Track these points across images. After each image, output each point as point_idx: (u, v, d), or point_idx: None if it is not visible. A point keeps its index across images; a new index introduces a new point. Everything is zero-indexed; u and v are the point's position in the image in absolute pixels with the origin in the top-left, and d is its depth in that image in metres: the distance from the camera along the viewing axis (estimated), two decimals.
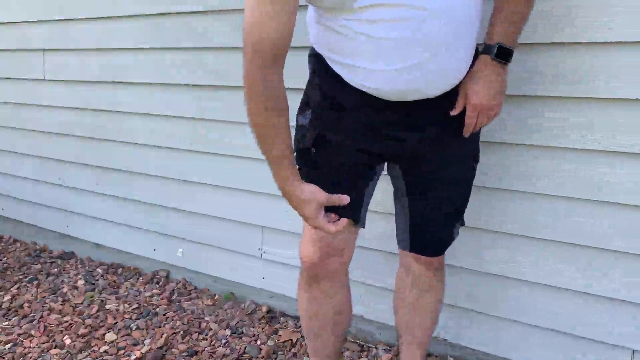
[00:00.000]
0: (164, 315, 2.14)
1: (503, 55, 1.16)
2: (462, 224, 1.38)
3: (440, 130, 1.22)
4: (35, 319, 2.13)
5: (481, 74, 1.17)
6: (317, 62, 1.26)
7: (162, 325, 2.07)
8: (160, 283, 2.39)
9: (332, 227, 1.18)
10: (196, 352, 1.89)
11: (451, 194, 1.31)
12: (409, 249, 1.37)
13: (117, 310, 2.18)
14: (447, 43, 1.08)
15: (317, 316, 1.44)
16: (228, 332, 2.01)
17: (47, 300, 2.28)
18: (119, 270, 2.54)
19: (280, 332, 1.99)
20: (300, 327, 2.02)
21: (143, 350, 1.90)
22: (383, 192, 1.55)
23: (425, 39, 1.05)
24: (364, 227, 1.35)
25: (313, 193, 1.17)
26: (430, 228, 1.34)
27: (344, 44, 1.12)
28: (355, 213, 1.30)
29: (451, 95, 1.19)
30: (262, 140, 1.12)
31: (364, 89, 1.16)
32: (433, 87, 1.13)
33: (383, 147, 1.24)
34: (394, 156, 1.28)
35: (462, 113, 1.22)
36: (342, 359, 1.83)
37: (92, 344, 1.96)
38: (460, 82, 1.20)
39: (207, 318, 2.11)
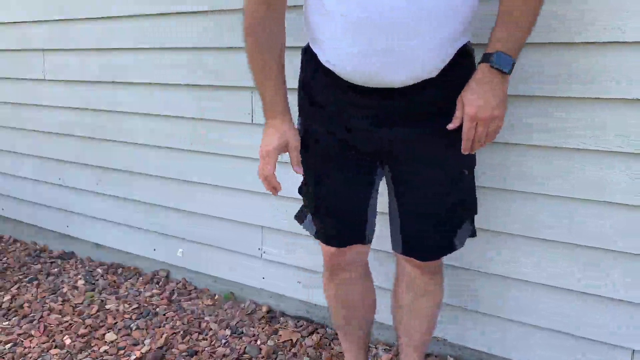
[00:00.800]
0: (164, 315, 2.14)
1: (504, 64, 1.10)
2: (473, 235, 1.35)
3: (417, 126, 1.19)
4: (35, 319, 2.13)
5: (479, 83, 1.12)
6: (304, 54, 1.30)
7: (162, 325, 2.07)
8: (160, 283, 2.39)
9: (274, 182, 1.28)
10: (196, 352, 1.89)
11: (438, 195, 1.25)
12: (401, 251, 1.34)
13: (117, 310, 2.18)
14: (411, 28, 1.05)
15: (347, 298, 1.49)
16: (228, 332, 2.01)
17: (47, 300, 2.28)
18: (119, 270, 2.54)
19: (280, 332, 1.99)
20: (300, 326, 2.02)
21: (143, 350, 1.90)
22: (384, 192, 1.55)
23: (385, 21, 1.04)
24: (369, 242, 1.41)
25: (292, 132, 1.27)
26: (420, 229, 1.29)
27: (316, 19, 1.15)
28: (360, 230, 1.36)
29: (430, 92, 1.15)
30: (255, 76, 1.24)
31: (329, 67, 1.17)
32: (392, 72, 1.10)
33: (352, 136, 1.24)
34: (373, 152, 1.26)
35: (446, 114, 1.17)
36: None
37: (92, 344, 1.96)
38: (456, 91, 1.16)
39: (207, 318, 2.11)
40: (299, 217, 1.44)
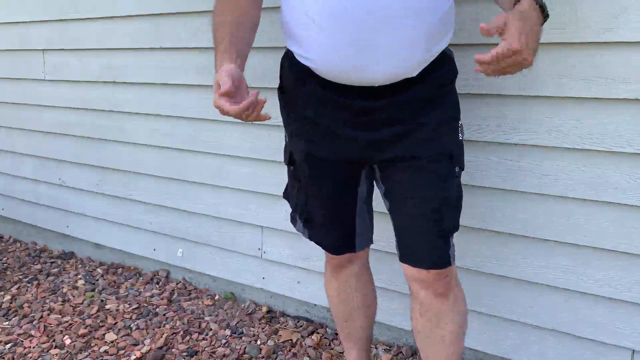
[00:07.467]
0: (164, 315, 2.14)
1: (541, 6, 0.98)
2: (456, 229, 1.26)
3: (401, 125, 1.16)
4: (35, 319, 2.13)
5: (526, 14, 0.94)
6: (282, 66, 1.29)
7: (162, 325, 2.07)
8: (160, 283, 2.39)
9: (226, 104, 1.00)
10: (196, 352, 1.89)
11: (426, 193, 1.19)
12: (399, 258, 1.28)
13: (117, 310, 2.18)
14: (391, 19, 1.02)
15: (348, 299, 1.49)
16: (228, 332, 2.01)
17: (47, 300, 2.28)
18: (119, 270, 2.54)
19: (280, 332, 1.99)
20: (300, 326, 2.02)
21: (143, 350, 1.90)
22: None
23: (364, 11, 1.02)
24: (363, 249, 1.42)
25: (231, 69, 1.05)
26: (411, 232, 1.23)
27: (293, 13, 1.12)
28: (349, 242, 1.37)
29: (411, 92, 1.13)
30: (213, 30, 1.15)
31: (307, 64, 1.14)
32: (372, 65, 1.07)
33: (335, 144, 1.22)
34: (358, 158, 1.24)
35: (427, 114, 1.16)
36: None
37: (92, 344, 1.96)
38: (437, 91, 1.14)
39: (207, 318, 2.11)
40: (292, 219, 1.43)
